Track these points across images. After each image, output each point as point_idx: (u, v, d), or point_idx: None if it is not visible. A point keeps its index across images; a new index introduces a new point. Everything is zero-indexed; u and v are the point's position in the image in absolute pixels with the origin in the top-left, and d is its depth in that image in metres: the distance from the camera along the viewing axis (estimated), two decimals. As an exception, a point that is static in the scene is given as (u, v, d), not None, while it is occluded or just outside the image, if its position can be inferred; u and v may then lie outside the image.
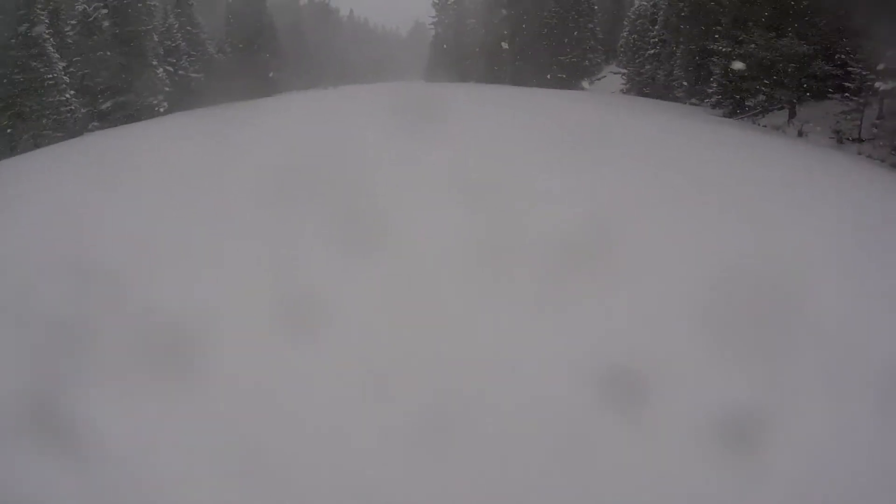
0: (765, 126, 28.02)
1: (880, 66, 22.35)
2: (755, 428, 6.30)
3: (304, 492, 5.82)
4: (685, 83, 38.31)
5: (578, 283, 9.11)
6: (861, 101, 24.30)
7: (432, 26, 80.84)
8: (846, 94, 24.42)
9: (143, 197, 16.71)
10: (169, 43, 52.01)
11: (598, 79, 53.73)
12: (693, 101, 39.59)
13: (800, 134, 25.93)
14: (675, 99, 41.04)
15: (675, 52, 39.90)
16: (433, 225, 12.24)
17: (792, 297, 8.68)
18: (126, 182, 18.93)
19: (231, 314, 9.10)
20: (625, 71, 49.53)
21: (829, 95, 25.75)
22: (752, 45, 25.76)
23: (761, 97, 28.90)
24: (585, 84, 52.56)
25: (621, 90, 48.83)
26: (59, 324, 9.08)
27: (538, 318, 8.68)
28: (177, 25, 53.23)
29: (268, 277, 10.16)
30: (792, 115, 27.69)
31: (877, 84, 22.42)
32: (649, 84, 44.90)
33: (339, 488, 5.85)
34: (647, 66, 45.32)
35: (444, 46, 73.20)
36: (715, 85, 31.05)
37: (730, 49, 27.37)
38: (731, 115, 30.81)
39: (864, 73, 23.91)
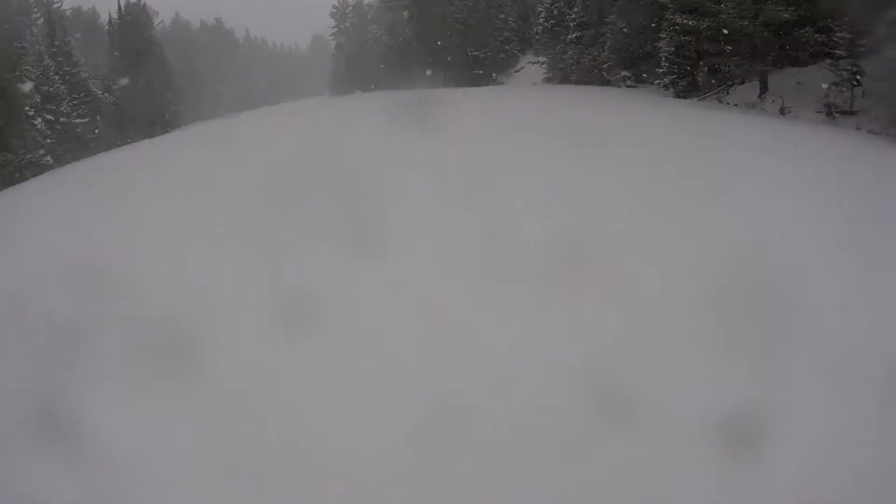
0: (735, 105, 23.76)
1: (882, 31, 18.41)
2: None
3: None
4: (621, 66, 33.99)
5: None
6: (852, 69, 20.29)
7: (332, 37, 75.52)
8: (833, 63, 20.43)
9: None
10: (47, 88, 45.25)
11: (517, 71, 49.11)
12: (629, 83, 35.44)
13: (782, 111, 21.75)
14: (608, 83, 36.80)
15: (604, 33, 35.54)
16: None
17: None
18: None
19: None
20: (544, 60, 45.17)
21: (817, 63, 21.69)
22: (725, 16, 21.38)
23: (721, 72, 24.73)
24: (503, 78, 48.14)
25: (544, 80, 44.42)
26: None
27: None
28: (53, 67, 46.41)
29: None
30: (763, 89, 23.48)
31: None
32: (574, 70, 40.54)
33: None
34: (570, 52, 40.91)
35: (347, 57, 67.91)
36: (667, 63, 26.54)
37: (694, 22, 22.90)
38: (686, 94, 26.49)
39: (852, 38, 19.99)
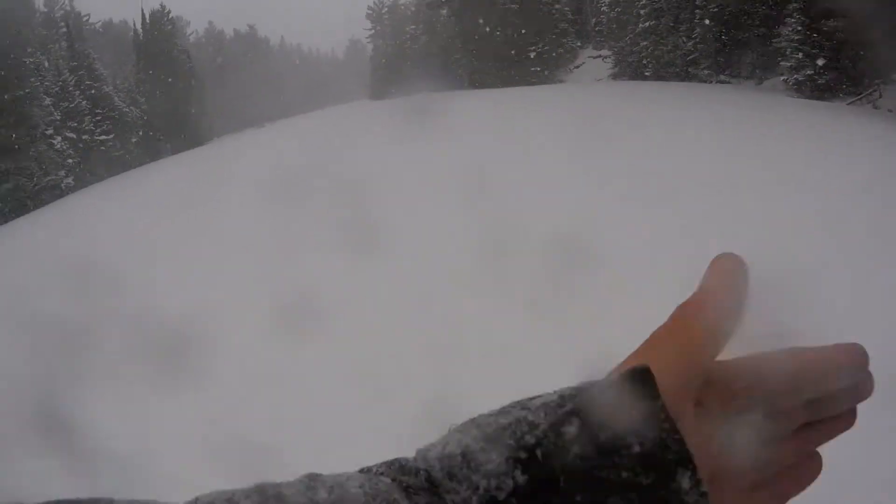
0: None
1: None
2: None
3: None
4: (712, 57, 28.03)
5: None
6: None
7: (369, 40, 70.19)
8: None
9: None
10: (67, 104, 40.48)
11: (576, 67, 43.23)
12: (721, 78, 29.55)
13: None
14: (693, 78, 30.92)
15: (693, 20, 29.59)
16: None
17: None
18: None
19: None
20: (608, 53, 39.33)
21: None
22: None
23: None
24: (562, 75, 42.29)
25: (610, 76, 38.56)
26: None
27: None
28: (74, 81, 41.59)
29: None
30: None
31: None
32: (649, 64, 34.61)
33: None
34: (643, 43, 34.99)
35: (384, 60, 62.46)
36: (798, 55, 20.55)
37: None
38: (819, 96, 20.50)
39: None
